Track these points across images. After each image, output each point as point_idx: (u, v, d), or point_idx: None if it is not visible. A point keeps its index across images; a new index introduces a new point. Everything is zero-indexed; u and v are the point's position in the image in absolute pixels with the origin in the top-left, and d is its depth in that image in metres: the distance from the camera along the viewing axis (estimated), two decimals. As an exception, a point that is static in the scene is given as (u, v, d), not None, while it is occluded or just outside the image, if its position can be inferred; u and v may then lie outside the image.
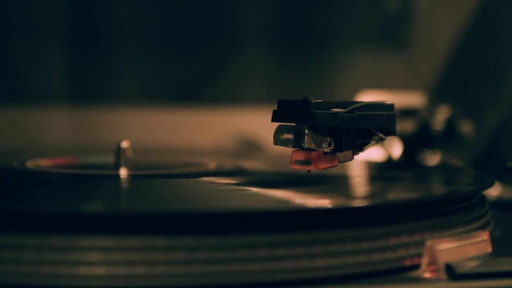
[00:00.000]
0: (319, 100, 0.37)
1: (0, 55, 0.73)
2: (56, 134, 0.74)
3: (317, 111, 0.37)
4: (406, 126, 0.59)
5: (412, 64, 0.79)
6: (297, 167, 0.38)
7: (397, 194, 0.41)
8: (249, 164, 0.52)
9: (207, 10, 0.78)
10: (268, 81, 0.79)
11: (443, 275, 0.32)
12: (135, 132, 0.74)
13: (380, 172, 0.50)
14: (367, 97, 0.63)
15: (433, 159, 0.59)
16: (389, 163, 0.57)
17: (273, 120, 0.38)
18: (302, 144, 0.37)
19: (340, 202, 0.36)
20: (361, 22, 0.81)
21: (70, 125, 0.74)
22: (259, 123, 0.70)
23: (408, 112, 0.60)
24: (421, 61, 0.79)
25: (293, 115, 0.37)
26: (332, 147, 0.38)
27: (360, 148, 0.40)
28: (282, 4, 0.79)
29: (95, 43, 0.75)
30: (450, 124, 0.60)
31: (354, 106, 0.38)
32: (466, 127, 0.60)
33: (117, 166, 0.45)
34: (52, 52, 0.74)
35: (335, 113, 0.37)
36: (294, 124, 0.38)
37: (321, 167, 0.38)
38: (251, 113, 0.76)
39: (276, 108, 0.38)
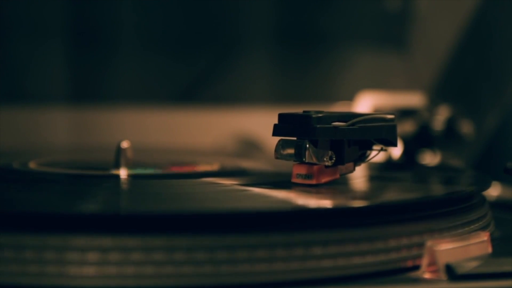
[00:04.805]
0: (320, 115, 0.37)
1: (0, 55, 0.73)
2: (56, 134, 0.74)
3: (318, 126, 0.37)
4: (406, 126, 0.59)
5: (412, 64, 0.79)
6: (298, 181, 0.38)
7: (397, 194, 0.41)
8: (249, 164, 0.52)
9: (207, 10, 0.78)
10: (268, 81, 0.79)
11: (443, 275, 0.32)
12: (135, 132, 0.74)
13: (380, 173, 0.50)
14: (367, 97, 0.63)
15: (433, 159, 0.59)
16: (389, 163, 0.57)
17: (274, 134, 0.38)
18: (304, 159, 0.38)
19: (340, 202, 0.36)
20: (361, 22, 0.81)
21: (70, 125, 0.74)
22: (259, 123, 0.70)
23: (408, 112, 0.60)
24: (421, 61, 0.79)
25: (294, 130, 0.38)
26: (333, 161, 0.38)
27: (361, 159, 0.40)
28: (282, 4, 0.79)
29: (95, 43, 0.75)
30: (450, 124, 0.60)
31: (354, 120, 0.38)
32: (466, 127, 0.60)
33: (117, 166, 0.45)
34: (52, 52, 0.74)
35: (336, 127, 0.37)
36: (295, 138, 0.38)
37: (323, 180, 0.38)
38: (251, 113, 0.76)
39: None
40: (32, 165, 0.48)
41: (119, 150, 0.46)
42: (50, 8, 0.73)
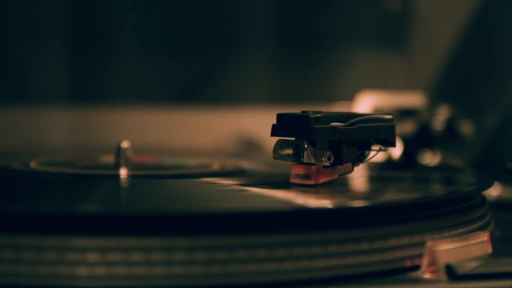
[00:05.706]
0: (318, 115, 0.37)
1: (0, 55, 0.73)
2: (56, 134, 0.74)
3: (316, 126, 0.37)
4: (406, 126, 0.59)
5: (412, 64, 0.79)
6: (297, 181, 0.38)
7: (397, 194, 0.41)
8: (249, 164, 0.52)
9: (207, 10, 0.78)
10: (268, 81, 0.79)
11: (443, 276, 0.32)
12: (135, 132, 0.74)
13: (380, 173, 0.50)
14: (367, 97, 0.63)
15: (433, 159, 0.59)
16: (389, 163, 0.57)
17: (272, 134, 0.38)
18: (302, 159, 0.37)
19: (340, 202, 0.36)
20: (361, 22, 0.81)
21: (70, 125, 0.74)
22: (259, 123, 0.70)
23: (408, 112, 0.60)
24: (421, 61, 0.79)
25: (292, 130, 0.38)
26: (331, 161, 0.38)
27: (360, 159, 0.40)
28: (282, 5, 0.79)
29: (95, 43, 0.75)
30: (450, 124, 0.60)
31: (353, 120, 0.38)
32: (466, 127, 0.60)
33: (117, 166, 0.45)
34: (52, 52, 0.74)
35: (334, 127, 0.37)
36: (293, 138, 0.38)
37: (321, 181, 0.38)
38: (251, 113, 0.76)
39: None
40: (32, 165, 0.48)
41: (119, 150, 0.46)
42: (50, 8, 0.73)
